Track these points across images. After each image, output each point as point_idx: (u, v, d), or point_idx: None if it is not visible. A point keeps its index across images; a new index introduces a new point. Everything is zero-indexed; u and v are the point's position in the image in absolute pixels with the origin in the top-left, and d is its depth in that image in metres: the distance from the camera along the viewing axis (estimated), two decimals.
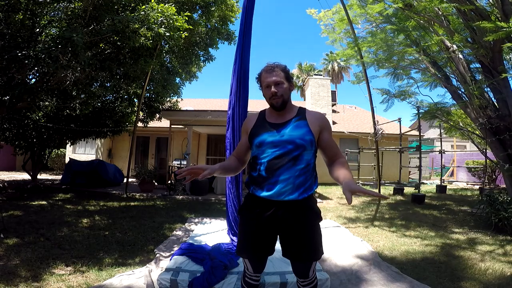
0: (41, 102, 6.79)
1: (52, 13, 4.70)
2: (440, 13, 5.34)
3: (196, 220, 4.84)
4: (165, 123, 10.56)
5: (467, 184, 12.47)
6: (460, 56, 5.41)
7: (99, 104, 8.26)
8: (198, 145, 12.23)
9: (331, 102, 13.96)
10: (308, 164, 1.49)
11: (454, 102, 6.13)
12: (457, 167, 13.87)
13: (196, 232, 3.92)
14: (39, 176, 9.91)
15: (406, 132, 11.47)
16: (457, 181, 13.45)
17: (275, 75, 1.52)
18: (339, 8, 6.82)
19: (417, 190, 7.69)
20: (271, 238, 1.55)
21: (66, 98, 6.58)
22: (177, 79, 9.11)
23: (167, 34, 4.65)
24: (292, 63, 30.60)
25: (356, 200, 7.45)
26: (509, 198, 4.50)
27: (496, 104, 5.28)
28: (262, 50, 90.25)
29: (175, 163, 10.06)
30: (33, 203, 5.71)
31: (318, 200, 7.04)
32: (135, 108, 8.84)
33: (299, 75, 25.66)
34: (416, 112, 7.24)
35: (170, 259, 2.77)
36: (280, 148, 1.47)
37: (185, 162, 8.71)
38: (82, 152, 13.36)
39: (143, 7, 4.64)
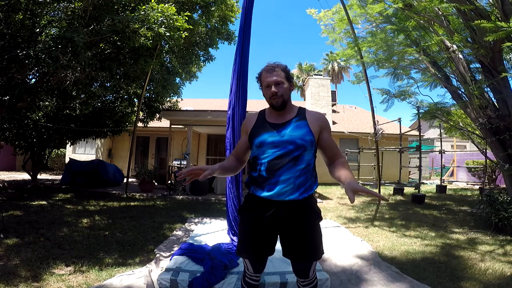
0: (41, 102, 6.79)
1: (52, 13, 4.70)
2: (440, 13, 5.34)
3: (196, 220, 4.84)
4: (165, 123, 10.56)
5: (467, 184, 12.47)
6: (460, 56, 5.41)
7: (99, 104, 8.26)
8: (198, 145, 12.22)
9: (331, 102, 13.97)
10: (308, 164, 1.50)
11: (454, 102, 6.13)
12: (457, 167, 13.87)
13: (196, 232, 3.92)
14: (39, 176, 9.91)
15: (406, 132, 11.47)
16: (457, 181, 13.46)
17: (275, 75, 1.52)
18: (339, 8, 6.82)
19: (417, 190, 7.69)
20: (272, 238, 1.55)
21: (66, 98, 6.58)
22: (177, 79, 9.11)
23: (167, 34, 4.65)
24: (292, 63, 30.62)
25: (356, 200, 7.44)
26: (509, 198, 4.50)
27: (496, 104, 5.28)
28: (262, 50, 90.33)
29: (175, 163, 10.06)
30: (33, 203, 5.71)
31: (318, 200, 7.04)
32: (135, 108, 8.84)
33: (299, 75, 25.66)
34: (416, 112, 7.24)
35: (170, 259, 2.77)
36: (281, 148, 1.47)
37: (185, 162, 8.71)
38: (82, 152, 13.36)
39: (143, 7, 4.65)
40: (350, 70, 25.47)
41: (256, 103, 13.55)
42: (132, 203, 6.29)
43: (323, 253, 1.56)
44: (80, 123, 8.21)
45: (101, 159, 11.81)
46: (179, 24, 4.84)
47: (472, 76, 5.45)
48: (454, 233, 4.32)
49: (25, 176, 10.38)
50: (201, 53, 8.49)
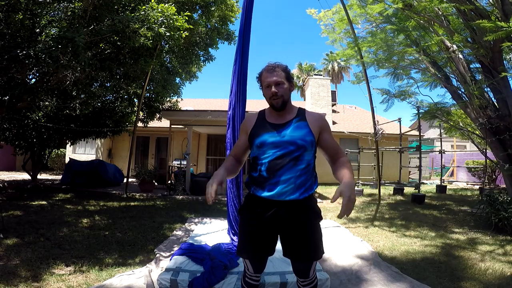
0: (41, 102, 6.79)
1: (52, 13, 4.70)
2: (440, 13, 5.34)
3: (196, 220, 4.84)
4: (165, 123, 10.56)
5: (467, 184, 12.47)
6: (460, 56, 5.41)
7: (99, 104, 8.26)
8: (198, 145, 12.22)
9: (331, 102, 13.97)
10: (308, 164, 1.50)
11: (454, 102, 6.12)
12: (457, 167, 13.87)
13: (196, 232, 3.92)
14: (39, 176, 9.90)
15: (406, 132, 11.46)
16: (457, 181, 13.46)
17: (276, 75, 1.52)
18: (339, 8, 6.82)
19: (417, 190, 7.69)
20: (272, 238, 1.56)
21: (66, 98, 6.58)
22: (177, 79, 9.11)
23: (167, 34, 4.65)
24: (292, 63, 30.54)
25: (356, 200, 7.44)
26: (509, 198, 4.50)
27: (496, 104, 5.28)
28: (262, 50, 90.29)
29: (175, 163, 10.05)
30: (33, 203, 5.71)
31: (318, 200, 7.04)
32: (135, 108, 8.84)
33: (299, 75, 25.67)
34: (416, 112, 7.24)
35: (170, 259, 2.77)
36: (281, 148, 1.47)
37: (185, 162, 8.71)
38: (82, 152, 13.36)
39: (143, 7, 4.65)
40: (350, 70, 25.49)
41: (256, 103, 13.55)
42: (132, 203, 6.29)
43: (323, 253, 1.56)
44: (80, 123, 8.21)
45: (101, 159, 11.81)
46: (179, 24, 4.84)
47: (472, 76, 5.45)
48: (454, 233, 4.32)
49: (25, 176, 10.38)
50: (201, 53, 8.49)
